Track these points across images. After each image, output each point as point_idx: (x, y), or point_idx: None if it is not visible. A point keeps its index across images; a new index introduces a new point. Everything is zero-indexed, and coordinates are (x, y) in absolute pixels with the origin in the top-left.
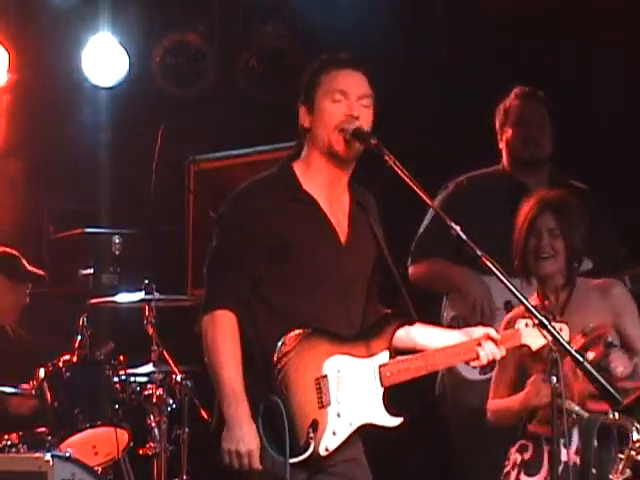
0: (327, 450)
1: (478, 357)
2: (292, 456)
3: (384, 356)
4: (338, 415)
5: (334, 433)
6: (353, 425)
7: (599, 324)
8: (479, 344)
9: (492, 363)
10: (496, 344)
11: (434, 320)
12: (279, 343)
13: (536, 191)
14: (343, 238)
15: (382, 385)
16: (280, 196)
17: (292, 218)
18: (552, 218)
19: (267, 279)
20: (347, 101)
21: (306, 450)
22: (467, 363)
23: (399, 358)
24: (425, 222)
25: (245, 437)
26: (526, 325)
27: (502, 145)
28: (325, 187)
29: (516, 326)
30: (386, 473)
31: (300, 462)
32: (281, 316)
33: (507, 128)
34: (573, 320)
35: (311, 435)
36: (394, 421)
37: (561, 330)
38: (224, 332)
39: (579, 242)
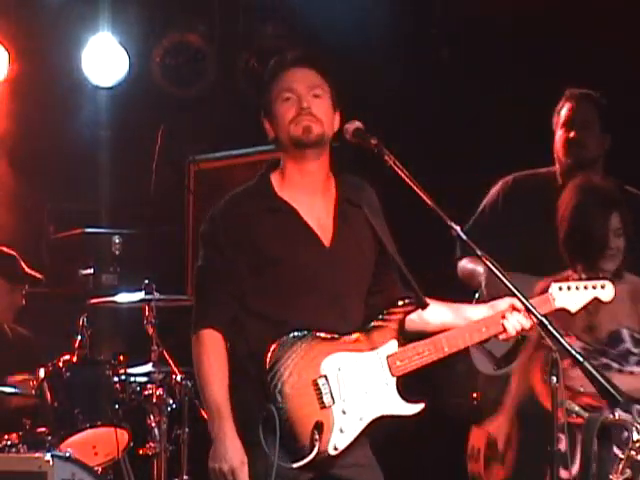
0: (336, 449)
1: (505, 330)
2: (297, 460)
3: (391, 346)
4: (343, 412)
5: (342, 431)
6: (364, 420)
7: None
8: (504, 317)
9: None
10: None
11: None
12: (270, 350)
13: (576, 178)
14: (327, 240)
15: (392, 375)
16: (257, 207)
17: (270, 228)
18: (618, 218)
19: (253, 292)
20: (296, 96)
21: (311, 452)
22: (496, 338)
23: (410, 345)
24: (471, 221)
25: (227, 454)
26: (560, 289)
27: (555, 147)
28: (303, 191)
29: (549, 291)
30: (404, 463)
31: (307, 464)
32: (272, 326)
33: (557, 130)
34: (601, 317)
35: (316, 437)
36: (413, 408)
37: (603, 287)
38: (209, 351)
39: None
